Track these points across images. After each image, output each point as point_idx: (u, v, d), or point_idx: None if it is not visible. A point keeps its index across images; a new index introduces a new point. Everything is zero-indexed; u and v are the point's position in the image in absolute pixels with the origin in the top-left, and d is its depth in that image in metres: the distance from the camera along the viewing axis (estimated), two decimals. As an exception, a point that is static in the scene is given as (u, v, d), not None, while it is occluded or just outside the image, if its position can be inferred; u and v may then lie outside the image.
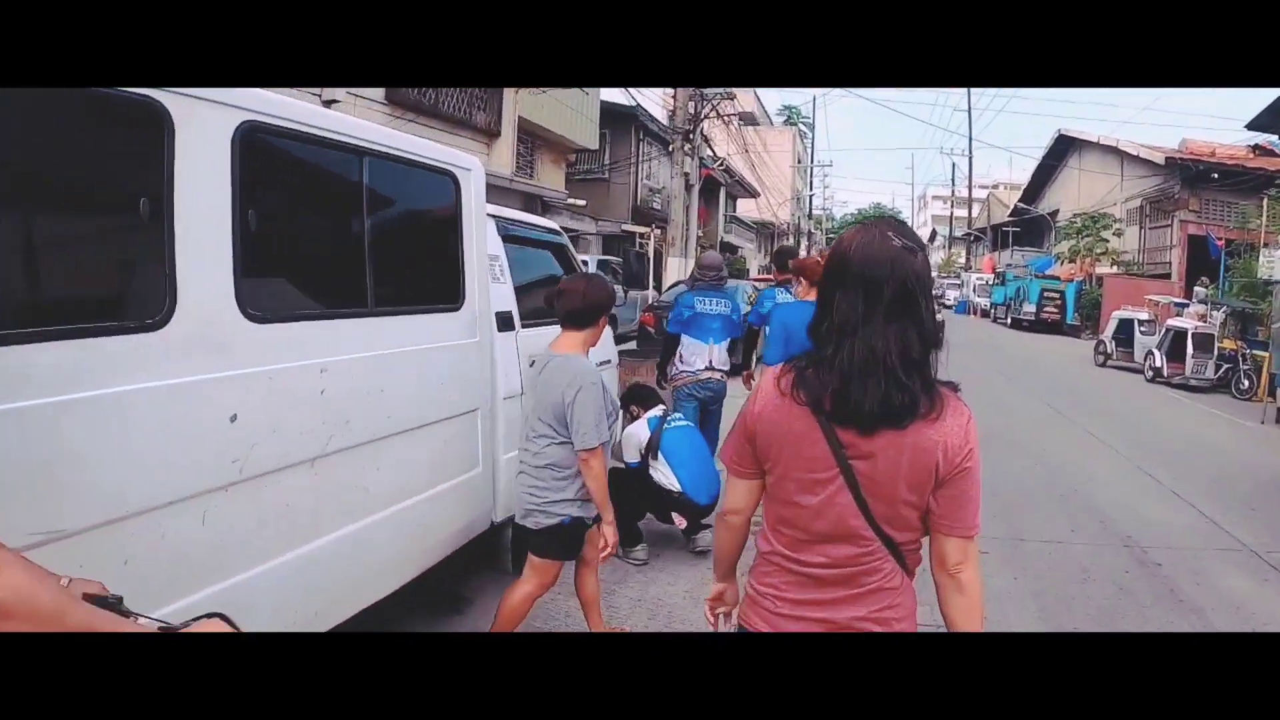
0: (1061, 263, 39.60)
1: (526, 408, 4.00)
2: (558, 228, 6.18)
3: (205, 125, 2.84)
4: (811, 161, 78.08)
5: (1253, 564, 6.63)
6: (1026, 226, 50.69)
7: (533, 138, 20.83)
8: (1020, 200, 51.75)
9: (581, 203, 22.45)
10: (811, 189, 79.61)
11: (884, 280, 1.84)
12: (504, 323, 4.96)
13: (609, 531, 3.96)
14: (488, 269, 4.79)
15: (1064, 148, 43.61)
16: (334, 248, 3.78)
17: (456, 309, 4.40)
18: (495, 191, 16.76)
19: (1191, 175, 31.04)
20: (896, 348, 1.83)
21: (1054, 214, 44.86)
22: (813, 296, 6.90)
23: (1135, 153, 34.48)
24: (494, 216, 5.15)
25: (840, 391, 1.84)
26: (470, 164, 4.56)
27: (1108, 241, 35.70)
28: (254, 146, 3.08)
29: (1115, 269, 35.01)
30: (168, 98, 2.66)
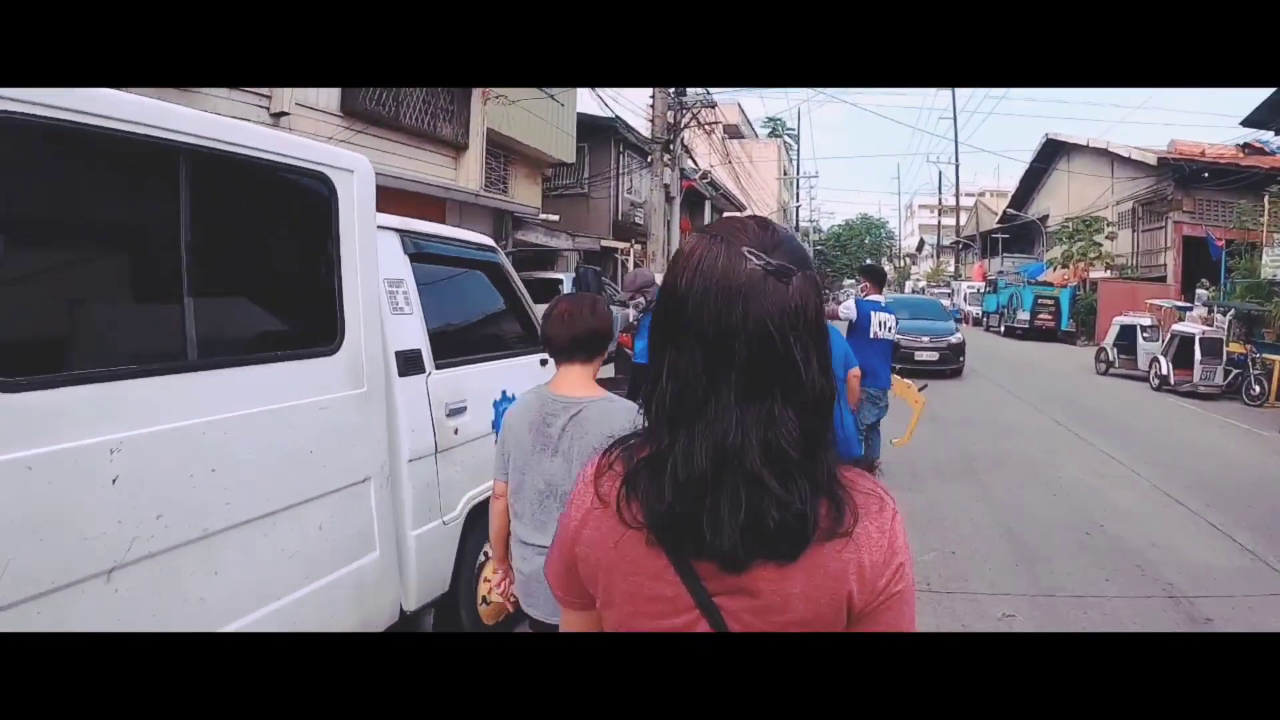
0: (1054, 268, 38.98)
1: (548, 476, 2.79)
2: (491, 243, 5.16)
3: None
4: (798, 173, 77.68)
5: (1318, 615, 5.64)
6: (1016, 233, 50.13)
7: (506, 152, 19.92)
8: (1009, 206, 51.43)
9: (555, 218, 21.48)
10: (798, 200, 79.17)
11: (733, 330, 1.17)
12: (409, 364, 3.97)
13: None
14: (380, 297, 3.80)
15: (1052, 151, 43.24)
16: (132, 281, 2.85)
17: (331, 351, 3.41)
18: (461, 208, 16.08)
19: (1184, 176, 30.59)
20: (759, 439, 1.17)
21: (1044, 219, 44.51)
22: None
23: (1126, 154, 34.08)
24: (397, 230, 4.17)
25: (679, 512, 1.19)
26: (352, 164, 3.57)
27: (1101, 245, 35.04)
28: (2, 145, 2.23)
29: (1109, 273, 34.42)
30: None
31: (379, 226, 3.94)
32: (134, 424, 2.58)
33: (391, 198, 11.76)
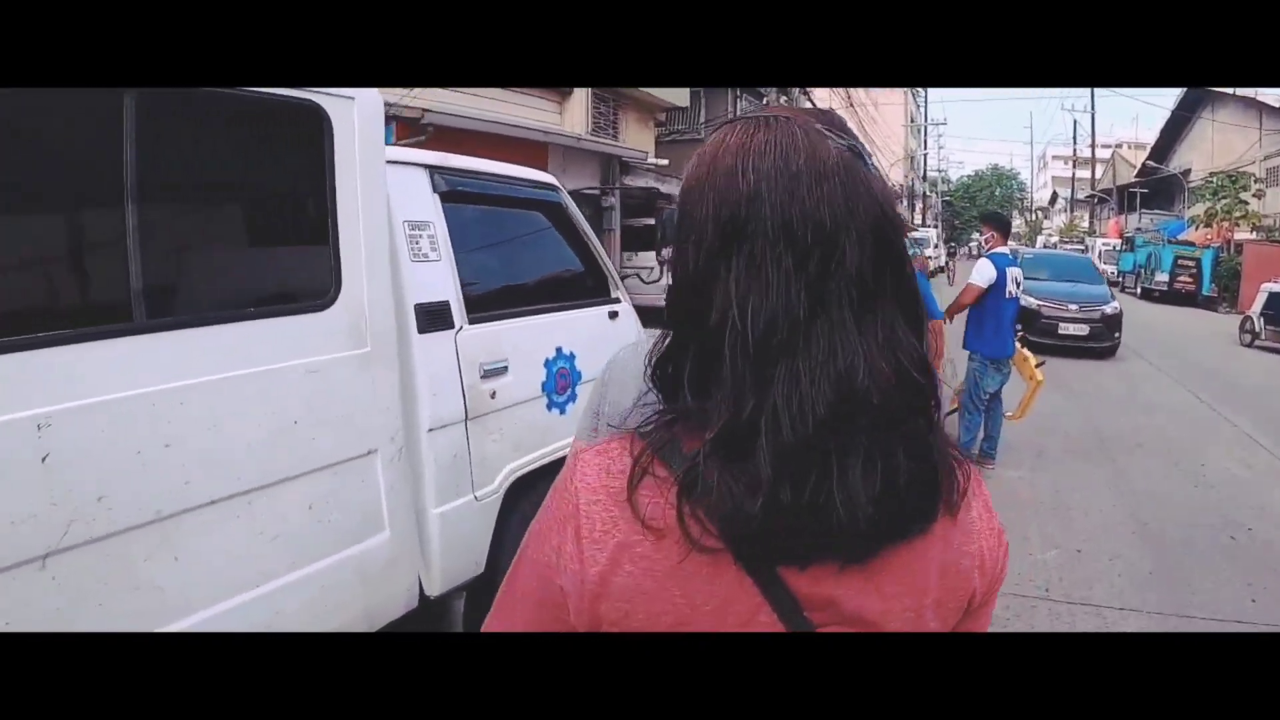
0: (1196, 227, 36.64)
1: None
2: (552, 180, 4.56)
3: None
4: (925, 120, 75.25)
5: None
6: (1155, 188, 47.68)
7: (616, 96, 19.38)
8: (1148, 158, 49.00)
9: (664, 162, 20.89)
10: (925, 149, 76.92)
11: (839, 223, 0.87)
12: (433, 319, 3.46)
13: None
14: (397, 243, 3.31)
15: (1195, 99, 40.88)
16: (63, 233, 2.47)
17: (323, 306, 2.92)
18: (564, 153, 15.61)
19: (1340, 129, 28.23)
20: (889, 363, 0.87)
21: (1185, 173, 42.15)
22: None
23: (1277, 104, 31.74)
24: (426, 166, 3.64)
25: (784, 500, 0.83)
26: (351, 91, 3.04)
27: (1247, 204, 32.77)
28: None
29: (1256, 235, 32.04)
30: None
31: (403, 163, 3.49)
32: (66, 396, 2.25)
33: (489, 143, 11.36)
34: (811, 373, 0.85)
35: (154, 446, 2.43)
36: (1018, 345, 8.05)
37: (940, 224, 71.20)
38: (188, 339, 2.53)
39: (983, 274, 7.63)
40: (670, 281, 0.98)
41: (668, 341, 0.95)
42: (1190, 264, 32.16)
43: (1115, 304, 16.93)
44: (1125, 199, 52.69)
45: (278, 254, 3.04)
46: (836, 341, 0.86)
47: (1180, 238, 36.70)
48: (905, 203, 62.53)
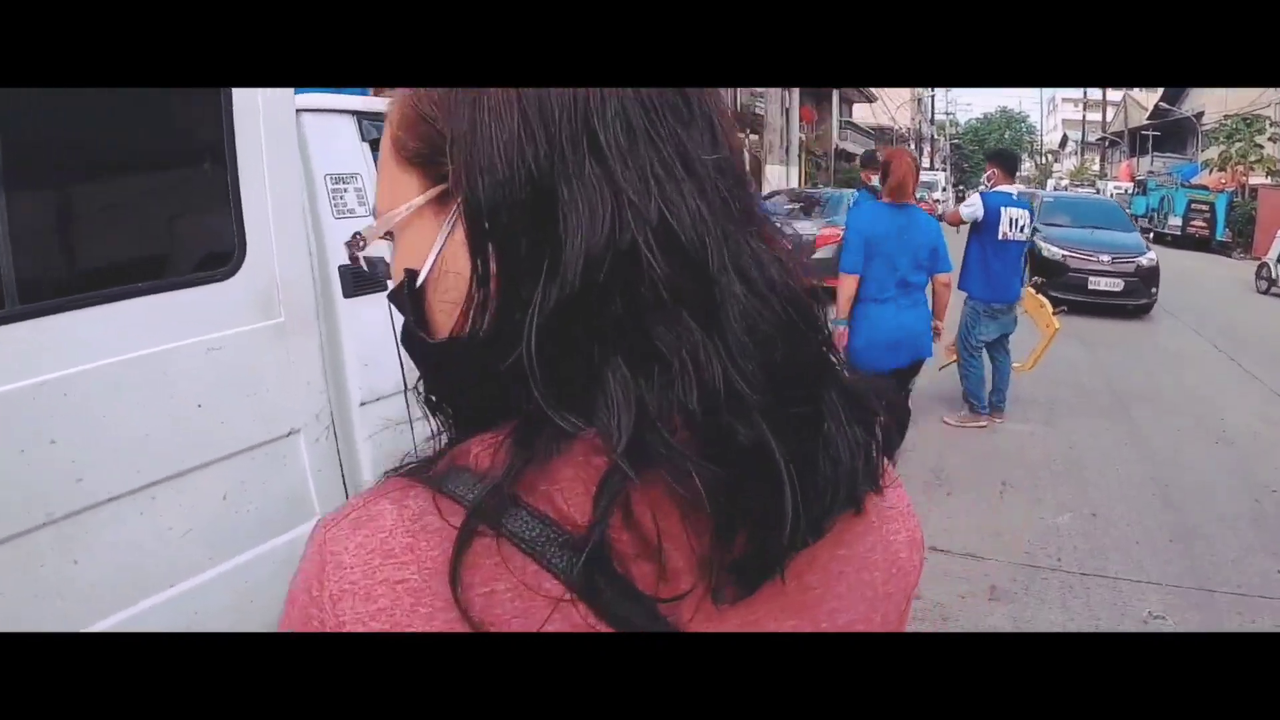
0: (1210, 171, 36.04)
1: None
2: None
3: None
4: (932, 61, 74.92)
5: None
6: (1167, 130, 47.23)
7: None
8: (1160, 101, 48.42)
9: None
10: (933, 91, 76.32)
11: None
12: (361, 280, 3.14)
13: None
14: (318, 198, 3.01)
15: (1212, 41, 39.97)
16: None
17: (224, 275, 2.60)
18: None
19: (1359, 72, 27.57)
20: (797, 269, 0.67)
21: (1199, 116, 41.42)
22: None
23: (1296, 47, 31.02)
24: (354, 113, 3.30)
25: (769, 483, 0.58)
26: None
27: (1262, 148, 32.24)
28: None
29: (1271, 179, 31.36)
30: None
31: (325, 110, 3.18)
32: None
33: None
34: (752, 295, 0.61)
35: (38, 444, 2.19)
36: (1031, 292, 7.69)
37: (949, 167, 70.70)
38: (67, 324, 2.26)
39: (969, 207, 7.38)
40: (452, 240, 0.64)
41: (469, 335, 0.62)
42: (1204, 208, 31.66)
43: (1151, 254, 14.68)
44: (1137, 142, 52.43)
45: (169, 220, 2.72)
46: (754, 244, 0.64)
47: (1194, 181, 36.14)
48: (913, 146, 62.04)
